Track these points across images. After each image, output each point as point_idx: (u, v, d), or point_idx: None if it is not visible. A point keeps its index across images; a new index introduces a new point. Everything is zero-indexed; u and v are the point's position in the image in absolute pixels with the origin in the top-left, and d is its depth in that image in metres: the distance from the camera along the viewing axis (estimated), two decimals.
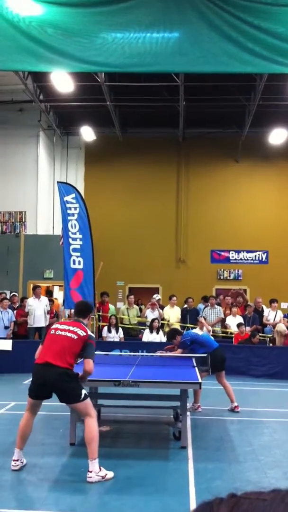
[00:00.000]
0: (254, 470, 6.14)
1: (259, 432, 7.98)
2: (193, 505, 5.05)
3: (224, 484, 5.63)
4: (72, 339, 6.00)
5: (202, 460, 6.47)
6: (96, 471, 5.68)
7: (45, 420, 8.55)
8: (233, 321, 15.26)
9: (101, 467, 5.75)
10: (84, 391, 5.92)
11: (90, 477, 5.64)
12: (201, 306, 16.79)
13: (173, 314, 15.76)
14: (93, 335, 6.09)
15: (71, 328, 6.13)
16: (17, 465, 5.99)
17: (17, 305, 15.86)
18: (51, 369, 5.81)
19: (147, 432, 8.12)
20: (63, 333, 6.07)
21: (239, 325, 14.79)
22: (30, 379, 11.98)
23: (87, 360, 5.96)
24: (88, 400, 5.96)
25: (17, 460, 6.02)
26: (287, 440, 7.59)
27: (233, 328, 15.09)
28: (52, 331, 6.18)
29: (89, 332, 6.21)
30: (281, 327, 14.39)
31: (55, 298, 18.17)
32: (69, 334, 6.04)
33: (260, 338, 14.93)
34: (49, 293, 18.17)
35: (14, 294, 16.63)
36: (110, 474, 5.76)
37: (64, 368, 5.83)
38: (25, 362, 13.01)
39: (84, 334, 6.07)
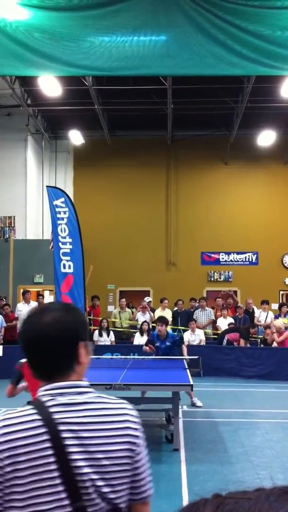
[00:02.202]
0: (247, 471, 6.15)
1: (251, 433, 7.99)
2: None
3: (217, 485, 5.63)
4: None
5: (195, 462, 6.46)
6: None
7: None
8: (224, 323, 15.28)
9: None
10: None
11: None
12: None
13: None
14: None
15: None
16: None
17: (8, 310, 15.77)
18: None
19: None
20: None
21: (229, 326, 14.87)
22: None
23: None
24: None
25: None
26: (279, 441, 7.61)
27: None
28: None
29: None
30: (277, 322, 14.44)
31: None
32: None
33: (251, 339, 14.97)
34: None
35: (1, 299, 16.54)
36: None
37: None
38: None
39: None
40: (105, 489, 1.57)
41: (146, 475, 1.66)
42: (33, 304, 15.22)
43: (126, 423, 1.65)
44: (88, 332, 1.88)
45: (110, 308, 19.08)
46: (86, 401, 1.66)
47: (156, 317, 15.58)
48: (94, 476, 1.56)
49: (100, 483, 1.57)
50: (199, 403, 9.82)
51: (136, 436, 1.65)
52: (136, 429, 1.66)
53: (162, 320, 10.12)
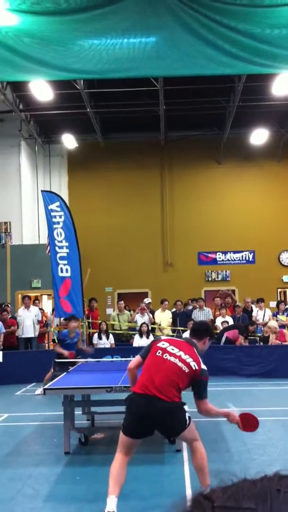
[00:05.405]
0: (250, 470, 6.13)
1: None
2: None
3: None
4: (182, 371, 4.83)
5: None
6: None
7: (38, 430, 8.50)
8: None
9: None
10: (187, 415, 4.97)
11: None
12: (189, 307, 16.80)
13: (164, 318, 15.76)
14: (206, 369, 4.95)
15: (183, 355, 4.90)
16: None
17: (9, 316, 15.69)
18: (155, 403, 4.73)
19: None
20: (172, 359, 4.86)
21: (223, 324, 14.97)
22: (23, 389, 11.84)
23: (201, 402, 4.93)
24: (192, 422, 5.03)
25: None
26: (281, 438, 7.61)
27: None
28: (159, 352, 4.94)
29: (203, 365, 4.95)
30: (272, 323, 14.46)
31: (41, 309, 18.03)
32: (179, 364, 4.85)
33: (250, 338, 14.98)
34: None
35: None
36: None
37: (171, 402, 4.75)
38: (16, 373, 12.99)
39: (197, 367, 4.87)
40: None
41: None
42: (33, 309, 15.19)
43: None
44: None
45: (109, 310, 19.08)
46: None
47: (155, 319, 15.62)
48: None
49: None
50: None
51: None
52: None
53: (75, 318, 11.37)
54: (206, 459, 4.93)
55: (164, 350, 4.92)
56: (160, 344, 5.00)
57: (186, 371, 4.82)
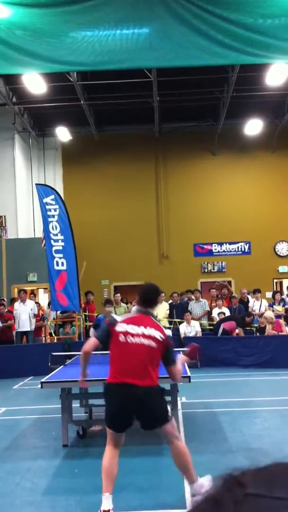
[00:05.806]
0: (248, 460, 6.17)
1: (250, 421, 8.03)
2: (188, 499, 5.06)
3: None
4: (151, 348, 4.71)
5: (195, 453, 6.46)
6: (200, 491, 4.76)
7: (36, 423, 8.52)
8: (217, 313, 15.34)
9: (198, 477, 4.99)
10: (169, 407, 4.97)
11: None
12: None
13: (161, 310, 15.76)
14: (168, 333, 4.95)
15: (145, 331, 4.74)
16: None
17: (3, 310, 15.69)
18: (132, 390, 4.62)
19: (139, 428, 8.11)
20: (137, 339, 4.70)
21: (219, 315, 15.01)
22: (20, 383, 11.82)
23: (173, 368, 4.91)
24: (173, 418, 5.01)
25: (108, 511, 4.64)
26: (277, 428, 7.64)
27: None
28: (121, 337, 4.73)
29: (165, 331, 4.94)
30: (268, 314, 14.50)
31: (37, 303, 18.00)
32: (146, 342, 4.71)
33: (246, 329, 15.01)
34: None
35: None
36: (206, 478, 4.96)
37: (148, 386, 4.66)
38: (13, 367, 13.00)
39: (163, 337, 4.77)
40: None
41: None
42: (29, 302, 15.16)
43: None
44: None
45: None
46: None
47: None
48: None
49: None
50: None
51: None
52: None
53: (110, 302, 11.35)
54: (189, 455, 4.88)
55: (126, 333, 4.72)
56: (119, 329, 4.76)
57: (155, 346, 4.70)
